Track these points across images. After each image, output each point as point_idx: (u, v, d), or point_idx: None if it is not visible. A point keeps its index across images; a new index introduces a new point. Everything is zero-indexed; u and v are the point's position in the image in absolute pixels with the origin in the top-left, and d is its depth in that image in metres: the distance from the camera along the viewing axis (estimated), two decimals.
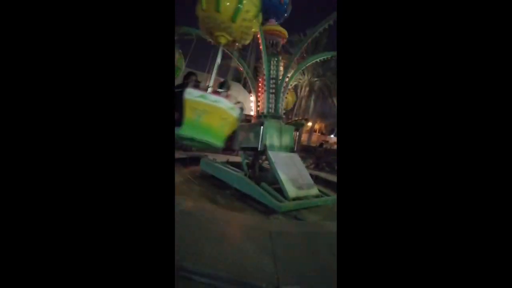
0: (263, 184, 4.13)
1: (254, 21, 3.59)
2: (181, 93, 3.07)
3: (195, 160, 6.46)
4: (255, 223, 2.82)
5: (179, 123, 3.05)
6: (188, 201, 3.27)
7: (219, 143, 3.26)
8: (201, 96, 3.03)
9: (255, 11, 3.49)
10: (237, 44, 4.03)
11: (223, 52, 5.17)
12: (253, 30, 3.78)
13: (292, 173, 4.35)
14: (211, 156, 6.47)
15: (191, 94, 2.99)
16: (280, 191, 3.98)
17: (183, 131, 2.97)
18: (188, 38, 4.81)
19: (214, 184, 5.02)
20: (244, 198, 4.31)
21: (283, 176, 4.12)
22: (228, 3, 3.24)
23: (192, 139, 3.09)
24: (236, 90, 7.93)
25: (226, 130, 3.34)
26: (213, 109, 3.05)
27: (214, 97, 3.12)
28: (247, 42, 4.15)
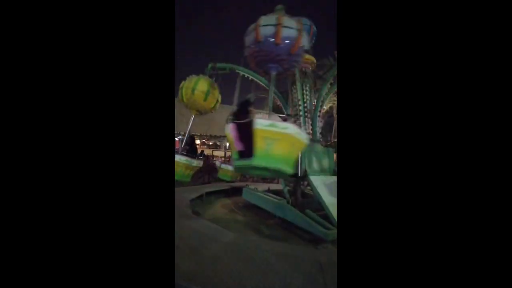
0: (308, 211, 3.95)
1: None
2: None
3: (238, 191, 6.57)
4: (302, 254, 2.68)
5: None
6: (232, 233, 3.30)
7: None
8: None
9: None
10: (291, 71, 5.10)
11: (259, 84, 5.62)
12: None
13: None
14: (252, 185, 6.52)
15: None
16: (327, 217, 3.75)
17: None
18: (223, 72, 5.46)
19: (258, 214, 4.98)
20: (289, 227, 4.16)
21: (328, 201, 3.90)
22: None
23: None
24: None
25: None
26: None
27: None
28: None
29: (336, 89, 5.96)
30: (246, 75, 5.40)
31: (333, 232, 3.42)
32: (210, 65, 5.24)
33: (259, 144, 2.98)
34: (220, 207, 5.62)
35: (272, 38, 3.54)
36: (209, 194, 6.26)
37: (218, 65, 5.32)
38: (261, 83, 5.50)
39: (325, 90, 5.48)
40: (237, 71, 5.33)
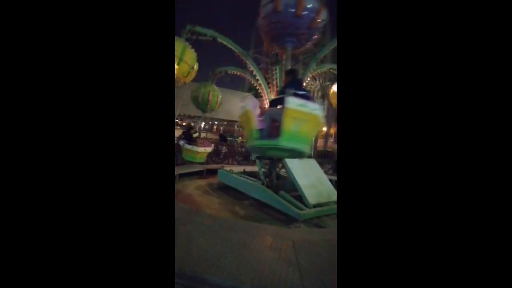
0: (282, 192, 4.05)
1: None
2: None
3: (212, 172, 6.50)
4: (276, 233, 2.74)
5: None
6: (207, 214, 3.26)
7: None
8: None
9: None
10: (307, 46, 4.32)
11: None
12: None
13: (311, 180, 4.23)
14: (227, 167, 6.48)
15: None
16: (300, 198, 3.88)
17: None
18: (203, 38, 4.79)
19: (232, 195, 4.99)
20: (263, 208, 4.24)
21: (302, 183, 4.02)
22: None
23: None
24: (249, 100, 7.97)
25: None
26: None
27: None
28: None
29: (323, 68, 5.94)
30: (229, 45, 4.99)
31: (306, 213, 3.56)
32: (188, 27, 4.51)
33: (288, 124, 2.76)
34: (193, 189, 5.53)
35: (293, 9, 3.17)
36: (182, 176, 6.10)
37: (198, 29, 4.60)
38: (243, 57, 5.12)
39: (312, 66, 5.31)
40: (218, 39, 4.91)
